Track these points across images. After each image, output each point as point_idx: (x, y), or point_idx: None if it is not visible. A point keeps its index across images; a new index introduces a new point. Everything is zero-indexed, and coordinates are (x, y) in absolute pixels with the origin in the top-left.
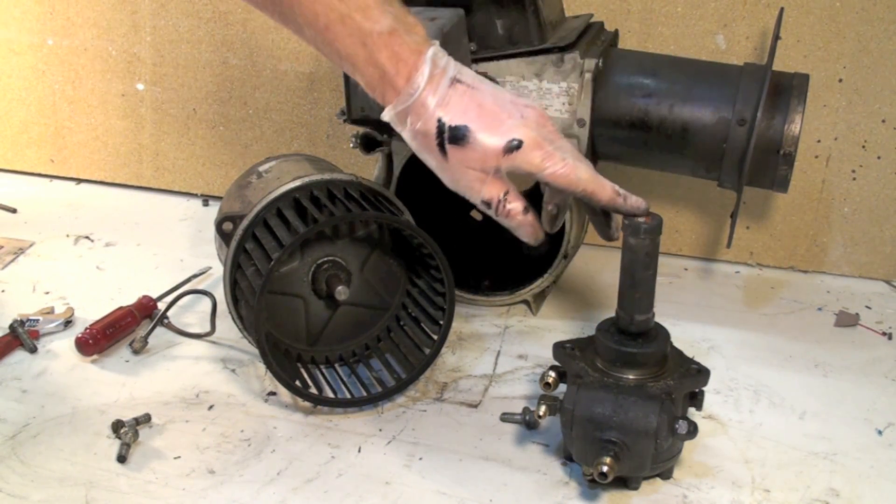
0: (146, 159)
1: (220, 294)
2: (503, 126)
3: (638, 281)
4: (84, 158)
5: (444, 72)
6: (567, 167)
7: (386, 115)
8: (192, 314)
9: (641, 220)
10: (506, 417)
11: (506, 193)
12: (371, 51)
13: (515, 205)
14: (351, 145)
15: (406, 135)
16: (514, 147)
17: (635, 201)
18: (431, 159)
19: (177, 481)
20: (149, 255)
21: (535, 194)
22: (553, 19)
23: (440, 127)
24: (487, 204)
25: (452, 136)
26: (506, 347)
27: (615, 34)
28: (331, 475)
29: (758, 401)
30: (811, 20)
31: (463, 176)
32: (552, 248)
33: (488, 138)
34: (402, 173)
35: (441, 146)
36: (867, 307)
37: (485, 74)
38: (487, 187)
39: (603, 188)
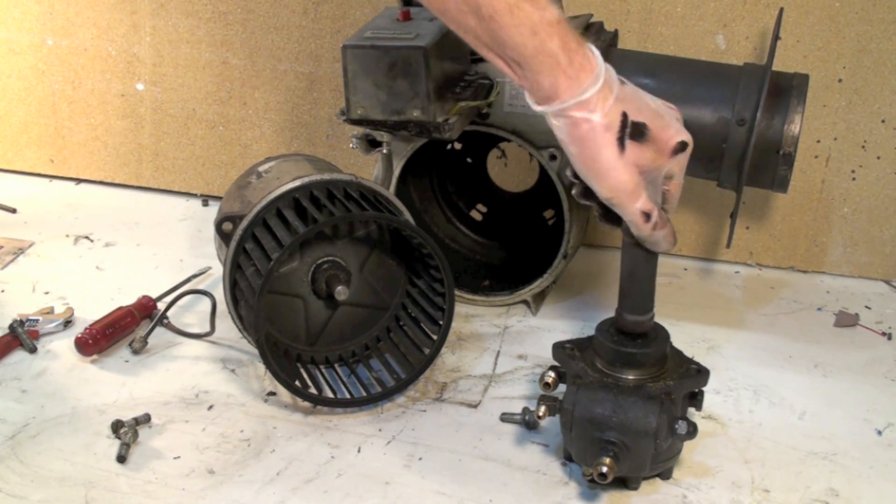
0: (146, 159)
1: (219, 294)
2: (671, 128)
3: (638, 281)
4: (84, 158)
5: (610, 67)
6: (680, 185)
7: (556, 106)
8: (191, 314)
9: None
10: (506, 417)
11: (656, 206)
12: (542, 40)
13: (664, 218)
14: (351, 145)
15: (574, 130)
16: (680, 149)
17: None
18: (604, 156)
19: (176, 481)
20: (148, 255)
21: (531, 195)
22: None
23: (624, 120)
24: (647, 215)
25: (634, 131)
26: (505, 347)
27: (615, 34)
28: (330, 475)
29: (757, 401)
30: (811, 20)
31: (629, 176)
32: (552, 248)
33: (663, 137)
34: (402, 173)
35: (621, 140)
36: (867, 307)
37: None
38: (649, 197)
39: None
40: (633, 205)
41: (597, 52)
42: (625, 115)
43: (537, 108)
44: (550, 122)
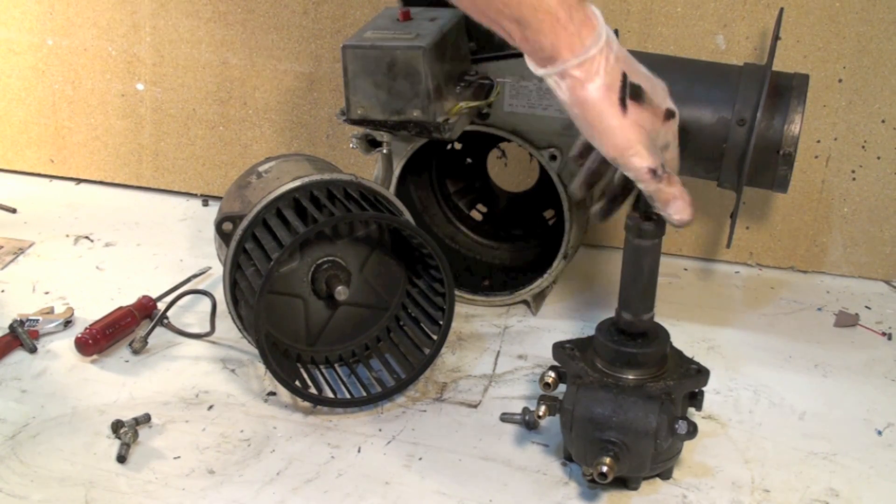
0: (146, 159)
1: (219, 294)
2: (659, 95)
3: (639, 281)
4: (84, 158)
5: (608, 28)
6: (676, 156)
7: (558, 67)
8: (191, 314)
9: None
10: (506, 417)
11: (664, 164)
12: None
13: (677, 179)
14: (351, 145)
15: (577, 91)
16: (671, 115)
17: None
18: (608, 115)
19: (176, 481)
20: (149, 255)
21: (531, 195)
22: None
23: (624, 80)
24: (653, 171)
25: (633, 92)
26: (505, 347)
27: (615, 33)
28: (330, 475)
29: (758, 401)
30: (811, 20)
31: (635, 135)
32: (552, 249)
33: (655, 100)
34: (402, 173)
35: (623, 100)
36: (867, 307)
37: None
38: (653, 155)
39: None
40: (640, 162)
41: (597, 11)
42: (624, 76)
43: (538, 72)
44: (551, 86)
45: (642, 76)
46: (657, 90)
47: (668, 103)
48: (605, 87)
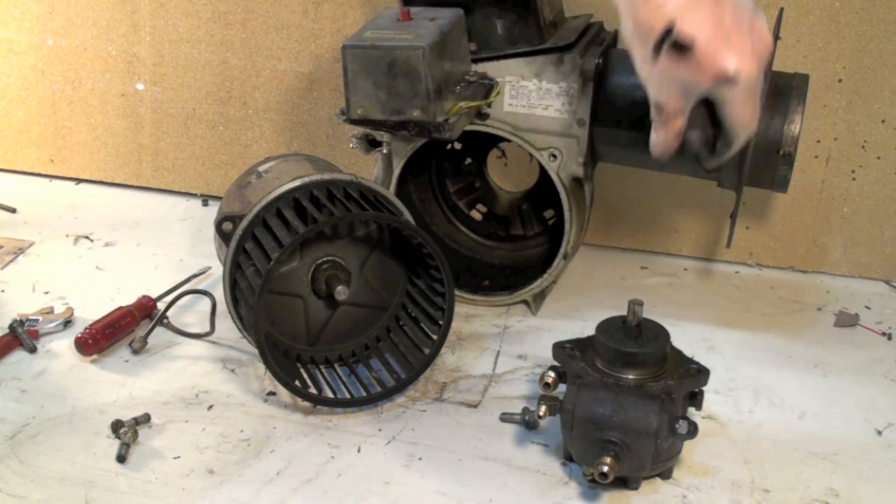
0: (146, 159)
1: (219, 294)
2: (730, 50)
3: None
4: (84, 158)
5: None
6: (750, 116)
7: None
8: (191, 314)
9: None
10: (505, 417)
11: (679, 112)
12: None
13: (678, 125)
14: (351, 145)
15: (626, 22)
16: (726, 81)
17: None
18: (638, 54)
19: (176, 481)
20: (148, 255)
21: (531, 195)
22: (553, 19)
23: (667, 30)
24: (658, 109)
25: (676, 43)
26: (505, 347)
27: (615, 34)
28: (330, 475)
29: (757, 401)
30: (811, 20)
31: (661, 80)
32: (552, 249)
33: (709, 59)
34: (402, 173)
35: (657, 48)
36: (867, 307)
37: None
38: (672, 98)
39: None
40: (652, 93)
41: None
42: (669, 24)
43: None
44: None
45: (711, 27)
46: (728, 48)
47: (738, 65)
48: (646, 26)
